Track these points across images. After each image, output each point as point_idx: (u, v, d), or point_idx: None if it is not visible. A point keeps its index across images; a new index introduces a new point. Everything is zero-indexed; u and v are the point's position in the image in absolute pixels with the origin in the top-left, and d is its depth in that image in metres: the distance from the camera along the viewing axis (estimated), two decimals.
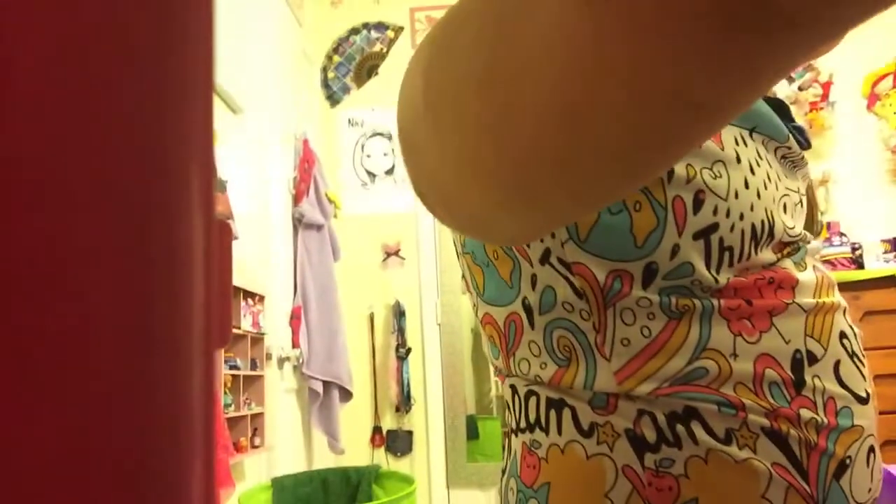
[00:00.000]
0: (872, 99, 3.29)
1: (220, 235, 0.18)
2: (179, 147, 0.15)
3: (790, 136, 0.61)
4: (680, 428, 0.53)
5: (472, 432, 3.35)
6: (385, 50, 3.50)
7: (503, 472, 0.66)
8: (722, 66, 0.19)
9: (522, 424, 0.63)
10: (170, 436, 0.15)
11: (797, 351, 0.54)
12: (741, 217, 0.53)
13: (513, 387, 0.64)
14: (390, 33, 3.51)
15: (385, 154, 3.43)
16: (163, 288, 0.15)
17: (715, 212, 0.52)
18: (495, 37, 0.23)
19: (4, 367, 0.13)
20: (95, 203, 0.14)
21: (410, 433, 3.25)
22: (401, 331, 3.24)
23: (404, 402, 3.20)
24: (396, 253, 3.35)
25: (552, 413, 0.59)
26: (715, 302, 0.54)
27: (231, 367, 2.10)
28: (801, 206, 0.63)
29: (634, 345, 0.54)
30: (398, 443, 3.23)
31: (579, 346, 0.56)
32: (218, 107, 2.20)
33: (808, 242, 0.61)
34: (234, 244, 1.79)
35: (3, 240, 0.13)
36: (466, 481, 3.19)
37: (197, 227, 0.16)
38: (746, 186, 0.54)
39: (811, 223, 0.67)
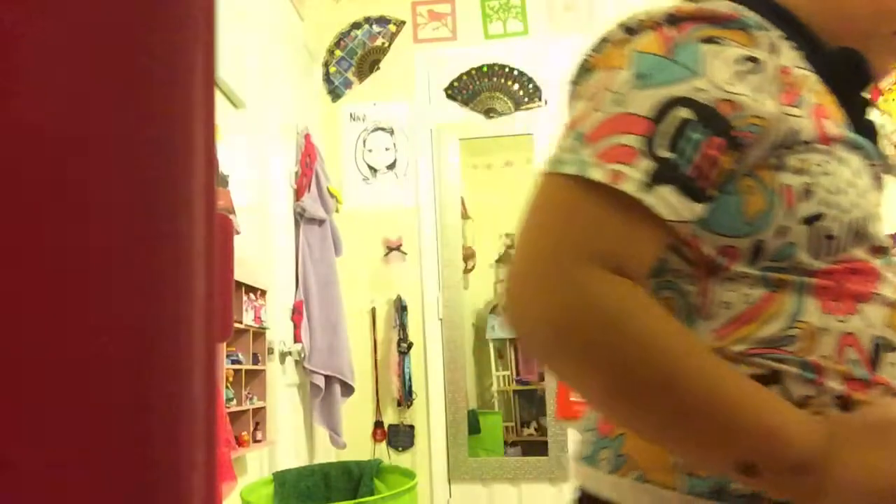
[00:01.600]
0: (875, 94, 3.28)
1: (222, 230, 0.18)
2: (181, 142, 0.15)
3: (880, 155, 0.66)
4: None
5: (474, 427, 3.35)
6: (387, 44, 3.49)
7: (581, 429, 0.70)
8: None
9: None
10: (172, 429, 0.15)
11: (879, 337, 0.59)
12: (845, 211, 0.59)
13: None
14: (392, 27, 3.50)
15: (387, 149, 3.42)
16: (165, 282, 0.15)
17: (821, 202, 0.58)
18: (674, 399, 0.52)
19: (6, 360, 0.13)
20: (97, 200, 0.14)
21: (412, 428, 3.25)
22: (402, 326, 3.23)
23: (406, 397, 3.20)
24: (398, 248, 3.34)
25: None
26: (810, 280, 0.58)
27: (233, 362, 2.11)
28: (880, 220, 0.68)
29: (735, 308, 0.59)
30: (399, 437, 3.24)
31: (683, 307, 0.61)
32: (219, 101, 2.20)
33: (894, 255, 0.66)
34: (236, 239, 1.79)
35: (5, 241, 0.13)
36: (468, 476, 3.19)
37: (199, 222, 0.16)
38: (851, 186, 0.60)
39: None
